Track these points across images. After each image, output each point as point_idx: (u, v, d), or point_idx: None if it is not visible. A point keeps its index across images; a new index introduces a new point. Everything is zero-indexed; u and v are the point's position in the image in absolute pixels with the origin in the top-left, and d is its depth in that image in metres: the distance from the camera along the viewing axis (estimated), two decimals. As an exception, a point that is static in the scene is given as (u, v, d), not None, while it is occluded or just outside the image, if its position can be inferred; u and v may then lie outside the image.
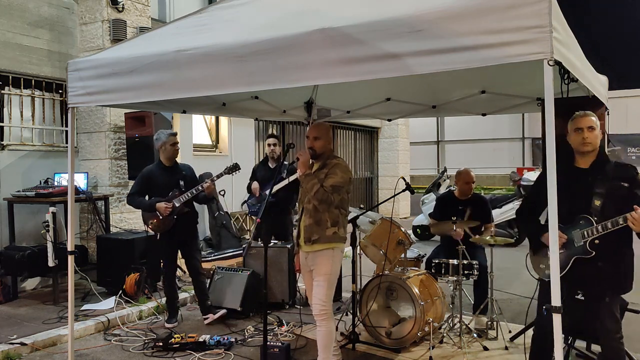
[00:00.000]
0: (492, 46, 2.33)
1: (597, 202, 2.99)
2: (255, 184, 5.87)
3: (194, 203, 5.10)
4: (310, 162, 3.74)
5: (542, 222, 3.35)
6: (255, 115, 6.30)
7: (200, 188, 4.81)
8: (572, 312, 3.24)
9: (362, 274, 4.83)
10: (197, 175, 5.31)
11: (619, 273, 3.05)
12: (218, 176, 4.90)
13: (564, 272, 3.08)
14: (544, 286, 3.21)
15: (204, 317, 5.13)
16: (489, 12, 2.33)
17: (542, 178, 3.31)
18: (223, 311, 5.15)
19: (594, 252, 2.98)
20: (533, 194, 3.42)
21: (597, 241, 2.97)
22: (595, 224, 2.97)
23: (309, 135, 3.75)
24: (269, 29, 2.99)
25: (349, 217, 4.08)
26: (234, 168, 4.97)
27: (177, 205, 4.86)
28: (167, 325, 5.06)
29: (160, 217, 4.86)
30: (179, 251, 5.20)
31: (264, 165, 6.03)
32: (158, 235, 5.07)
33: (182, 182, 4.94)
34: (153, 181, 4.96)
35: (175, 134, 5.06)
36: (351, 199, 3.85)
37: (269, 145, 5.93)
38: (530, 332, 4.41)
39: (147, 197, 4.96)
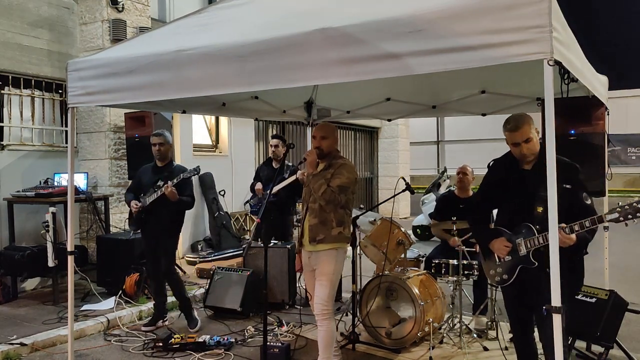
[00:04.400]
0: (492, 46, 2.32)
1: (539, 209, 2.84)
2: (258, 185, 5.86)
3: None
4: (317, 162, 3.75)
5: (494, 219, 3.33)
6: (255, 115, 6.30)
7: (162, 190, 4.71)
8: (528, 319, 3.20)
9: (362, 274, 4.83)
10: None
11: (566, 280, 2.70)
12: (177, 179, 4.73)
13: (512, 280, 3.04)
14: (505, 290, 3.19)
15: (190, 329, 4.94)
16: (489, 12, 2.32)
17: (486, 180, 3.30)
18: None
19: (537, 263, 2.90)
20: (479, 197, 3.40)
21: (541, 249, 2.86)
22: (537, 233, 2.88)
23: (316, 134, 3.75)
24: (269, 29, 2.98)
25: (349, 217, 4.08)
26: (194, 171, 4.78)
27: (145, 203, 4.84)
28: (143, 328, 4.96)
29: (133, 214, 4.95)
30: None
31: (267, 166, 6.02)
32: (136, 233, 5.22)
33: (160, 182, 4.80)
34: (141, 179, 5.05)
35: (156, 134, 4.94)
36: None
37: (271, 145, 5.90)
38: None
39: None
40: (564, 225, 2.70)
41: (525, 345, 3.24)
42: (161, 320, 5.09)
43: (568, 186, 2.83)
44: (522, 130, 2.94)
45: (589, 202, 2.92)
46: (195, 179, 5.82)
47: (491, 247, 3.12)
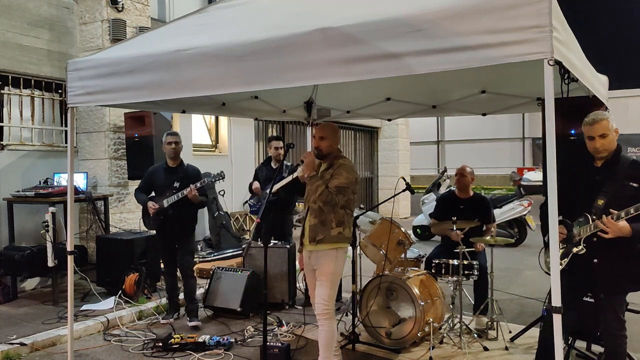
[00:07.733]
0: (492, 46, 2.33)
1: (601, 201, 2.99)
2: (256, 184, 5.85)
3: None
4: (317, 162, 3.74)
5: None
6: (255, 115, 6.29)
7: (184, 192, 4.84)
8: (572, 308, 3.26)
9: (362, 274, 4.83)
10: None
11: (616, 272, 3.01)
12: (201, 183, 4.91)
13: (563, 266, 3.10)
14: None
15: (189, 322, 5.02)
16: (489, 12, 2.32)
17: (561, 174, 3.35)
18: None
19: (585, 250, 3.01)
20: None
21: (595, 239, 2.97)
22: (591, 222, 3.00)
23: (316, 135, 3.75)
24: (268, 29, 2.98)
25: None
26: (218, 176, 4.99)
27: (164, 205, 4.93)
28: (162, 321, 5.13)
29: (150, 215, 5.01)
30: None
31: (266, 166, 6.01)
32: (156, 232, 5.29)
33: (176, 184, 4.94)
34: (154, 179, 5.16)
35: (172, 133, 5.13)
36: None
37: (275, 148, 5.88)
38: (530, 332, 4.43)
39: (153, 193, 5.15)
40: (613, 211, 2.84)
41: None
42: (177, 313, 5.25)
43: (635, 184, 2.95)
44: (600, 125, 3.03)
45: None
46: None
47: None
